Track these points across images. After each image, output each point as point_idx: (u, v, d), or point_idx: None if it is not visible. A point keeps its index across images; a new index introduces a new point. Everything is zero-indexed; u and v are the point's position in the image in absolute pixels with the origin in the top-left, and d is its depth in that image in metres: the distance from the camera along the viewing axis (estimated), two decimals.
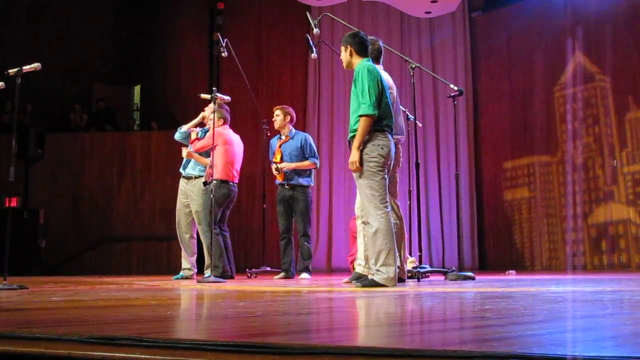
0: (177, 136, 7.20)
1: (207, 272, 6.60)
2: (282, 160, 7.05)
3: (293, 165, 6.96)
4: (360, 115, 4.39)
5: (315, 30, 6.22)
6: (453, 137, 10.44)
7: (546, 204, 10.47)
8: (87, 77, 12.86)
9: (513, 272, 7.81)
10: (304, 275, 6.92)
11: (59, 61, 12.02)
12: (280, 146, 7.12)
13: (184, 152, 7.08)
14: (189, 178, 7.10)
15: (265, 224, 8.36)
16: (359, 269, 4.99)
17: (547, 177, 10.52)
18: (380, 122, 4.45)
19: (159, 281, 6.49)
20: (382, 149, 4.42)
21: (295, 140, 7.06)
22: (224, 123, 6.84)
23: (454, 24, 11.82)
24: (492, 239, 11.07)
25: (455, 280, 5.46)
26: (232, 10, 11.83)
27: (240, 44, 10.59)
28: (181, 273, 7.15)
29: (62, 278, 7.88)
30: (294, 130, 7.24)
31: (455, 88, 5.99)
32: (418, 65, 5.89)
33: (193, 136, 7.12)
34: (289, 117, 7.16)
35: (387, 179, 4.49)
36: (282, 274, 7.13)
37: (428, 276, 5.98)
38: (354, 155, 4.39)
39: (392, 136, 4.55)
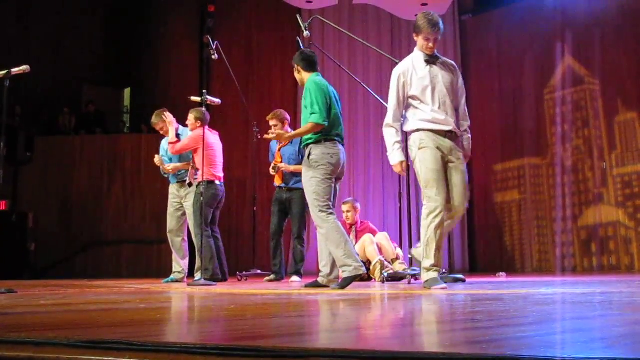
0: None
1: (198, 275, 6.59)
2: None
3: (292, 167, 6.96)
4: (311, 121, 4.72)
5: (306, 33, 6.21)
6: None
7: (536, 207, 10.51)
8: (77, 80, 12.81)
9: (503, 274, 7.83)
10: (295, 278, 6.91)
11: (48, 63, 11.97)
12: (279, 150, 7.14)
13: (157, 159, 7.12)
14: (182, 182, 7.09)
15: (256, 227, 8.34)
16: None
17: (537, 180, 10.56)
18: (330, 132, 4.80)
19: (149, 284, 6.46)
20: (331, 157, 4.76)
21: (294, 145, 7.03)
22: (202, 124, 6.76)
23: (444, 26, 11.84)
24: (483, 241, 11.09)
25: (445, 282, 5.46)
26: (222, 13, 11.83)
27: (230, 47, 10.59)
28: (172, 276, 7.13)
29: (52, 282, 7.84)
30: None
31: None
32: None
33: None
34: (286, 123, 7.17)
35: (333, 186, 4.81)
36: (272, 276, 7.12)
37: (419, 278, 5.98)
38: (280, 134, 5.09)
39: (342, 145, 4.89)
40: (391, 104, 4.46)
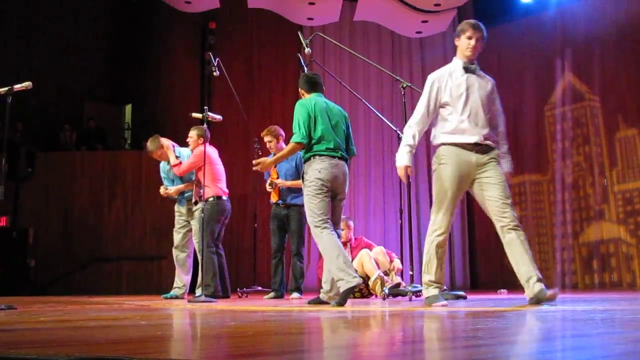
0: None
1: (198, 292, 6.57)
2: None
3: (288, 183, 6.95)
4: (292, 142, 4.88)
5: (307, 50, 6.24)
6: None
7: (537, 223, 10.50)
8: (79, 96, 12.86)
9: (505, 291, 7.81)
10: (295, 294, 6.88)
11: (50, 80, 12.02)
12: (275, 166, 7.11)
13: (163, 190, 7.15)
14: (190, 201, 7.11)
15: (256, 244, 8.33)
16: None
17: (538, 196, 10.56)
18: (319, 147, 4.87)
19: (149, 301, 6.44)
20: (319, 172, 4.80)
21: (289, 161, 7.00)
22: (204, 142, 6.76)
23: (444, 43, 11.91)
24: (484, 258, 11.08)
25: (447, 299, 5.45)
26: (223, 30, 11.89)
27: (231, 64, 10.62)
28: (172, 292, 7.12)
29: (51, 298, 7.81)
30: None
31: None
32: (409, 84, 5.93)
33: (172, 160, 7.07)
34: (280, 138, 7.16)
35: (328, 201, 4.81)
36: (272, 294, 7.09)
37: (420, 295, 5.97)
38: (266, 162, 5.03)
39: (336, 159, 4.88)
40: (419, 107, 4.34)
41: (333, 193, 4.89)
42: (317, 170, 4.81)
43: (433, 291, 4.24)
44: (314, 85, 5.21)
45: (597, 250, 9.68)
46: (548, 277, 10.16)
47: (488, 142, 4.24)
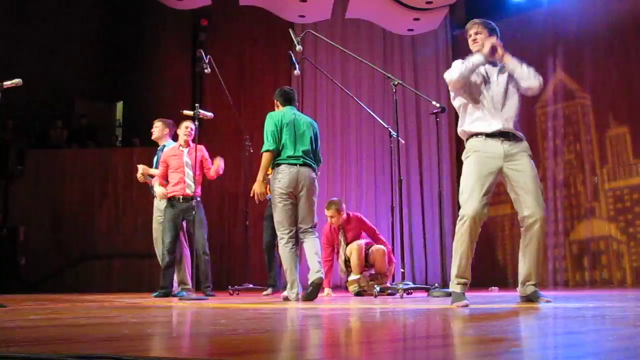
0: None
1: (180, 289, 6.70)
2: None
3: None
4: (261, 153, 5.40)
5: (298, 48, 6.24)
6: (436, 154, 10.51)
7: None
8: (69, 93, 12.79)
9: (496, 288, 7.83)
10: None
11: (40, 77, 11.95)
12: None
13: (141, 173, 7.19)
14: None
15: (248, 241, 8.33)
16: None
17: None
18: (280, 157, 5.40)
19: (140, 299, 6.43)
20: (278, 181, 5.35)
21: None
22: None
23: (436, 41, 11.92)
24: (475, 255, 11.06)
25: (438, 297, 5.46)
26: (215, 27, 11.86)
27: (223, 61, 10.59)
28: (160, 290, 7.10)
29: (42, 296, 7.79)
30: None
31: (438, 105, 6.04)
32: (400, 82, 5.94)
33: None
34: None
35: (288, 209, 5.36)
36: (269, 290, 7.14)
37: (411, 293, 5.98)
38: (256, 187, 5.44)
39: (296, 166, 5.36)
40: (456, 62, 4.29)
41: (296, 197, 5.39)
42: (277, 180, 5.36)
43: (456, 288, 4.04)
44: (288, 100, 5.70)
45: (587, 247, 9.72)
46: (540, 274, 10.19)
47: (515, 131, 4.16)
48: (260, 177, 5.41)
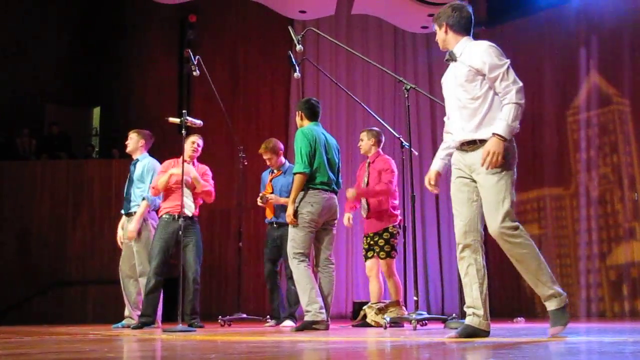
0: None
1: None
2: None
3: (282, 200, 6.96)
4: (294, 174, 5.73)
5: (299, 47, 6.27)
6: None
7: (559, 243, 10.51)
8: (39, 98, 12.82)
9: (522, 319, 7.81)
10: (287, 322, 6.93)
11: (6, 79, 12.00)
12: (270, 180, 7.26)
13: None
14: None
15: (241, 265, 8.32)
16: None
17: (560, 213, 10.57)
18: (313, 180, 5.75)
19: (118, 331, 6.41)
20: (311, 206, 5.69)
21: (287, 176, 7.09)
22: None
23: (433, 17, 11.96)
24: (498, 282, 11.06)
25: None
26: (205, 24, 11.91)
27: (214, 62, 10.64)
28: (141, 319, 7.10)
29: (6, 328, 7.77)
30: (287, 164, 7.35)
31: None
32: (413, 86, 5.94)
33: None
34: (280, 153, 7.29)
35: (312, 236, 5.73)
36: (272, 322, 7.22)
37: (426, 324, 5.96)
38: (289, 209, 5.69)
39: (328, 193, 5.80)
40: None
41: (322, 225, 5.81)
42: (309, 204, 5.69)
43: (467, 319, 3.98)
44: (315, 115, 6.05)
45: (627, 273, 9.68)
46: (572, 303, 10.10)
47: (478, 136, 3.97)
48: (292, 200, 5.71)
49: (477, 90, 4.00)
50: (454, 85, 4.09)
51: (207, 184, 6.98)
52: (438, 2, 10.81)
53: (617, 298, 9.75)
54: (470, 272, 4.01)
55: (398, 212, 6.76)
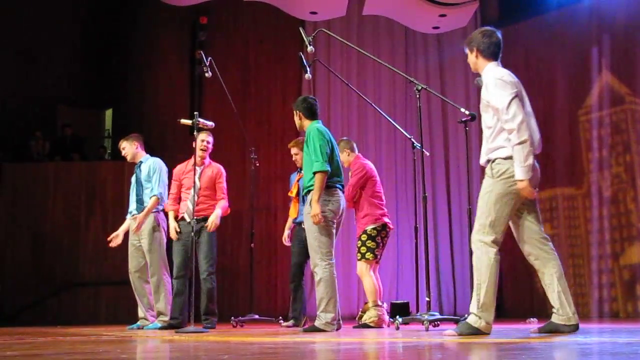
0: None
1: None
2: (297, 195, 7.06)
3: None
4: (315, 172, 5.51)
5: (310, 48, 6.27)
6: (465, 167, 10.47)
7: (571, 243, 10.46)
8: (52, 100, 12.85)
9: (534, 320, 7.77)
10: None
11: (19, 81, 12.04)
12: (297, 180, 7.19)
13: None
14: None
15: (253, 266, 8.33)
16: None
17: (572, 212, 10.53)
18: (330, 179, 5.60)
19: (132, 331, 6.43)
20: (332, 204, 5.59)
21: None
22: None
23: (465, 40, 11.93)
24: (510, 282, 11.03)
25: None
26: (216, 26, 11.93)
27: (225, 63, 10.66)
28: (155, 322, 7.13)
29: (20, 329, 7.81)
30: None
31: (467, 112, 6.04)
32: (425, 86, 5.93)
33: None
34: None
35: (333, 234, 5.62)
36: (290, 322, 7.15)
37: (438, 325, 5.95)
38: (315, 209, 5.44)
39: (342, 192, 5.76)
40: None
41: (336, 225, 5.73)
42: (329, 201, 5.58)
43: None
44: (314, 113, 5.88)
45: None
46: (585, 304, 10.10)
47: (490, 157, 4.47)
48: (317, 200, 5.50)
49: (489, 121, 4.43)
50: (481, 107, 4.50)
51: (221, 209, 7.01)
52: (449, 3, 10.79)
53: (631, 298, 9.70)
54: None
55: (380, 212, 6.81)
